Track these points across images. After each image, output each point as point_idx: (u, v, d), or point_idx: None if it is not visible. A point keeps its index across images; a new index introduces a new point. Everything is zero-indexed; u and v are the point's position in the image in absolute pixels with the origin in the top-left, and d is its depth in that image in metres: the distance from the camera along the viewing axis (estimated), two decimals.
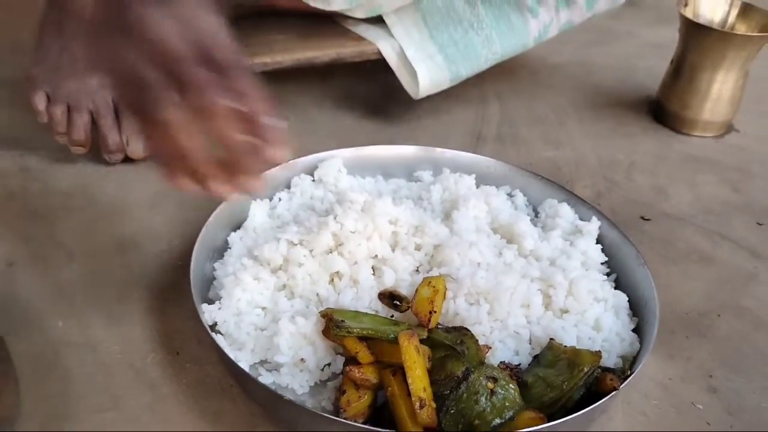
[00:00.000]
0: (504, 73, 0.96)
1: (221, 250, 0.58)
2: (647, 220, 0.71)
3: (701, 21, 0.84)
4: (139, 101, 0.42)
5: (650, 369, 0.54)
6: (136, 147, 0.70)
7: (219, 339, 0.48)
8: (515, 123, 0.87)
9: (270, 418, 0.47)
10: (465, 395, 0.44)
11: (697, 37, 0.83)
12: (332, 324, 0.47)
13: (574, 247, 0.59)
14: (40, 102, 0.70)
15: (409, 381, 0.44)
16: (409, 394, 0.45)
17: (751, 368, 0.55)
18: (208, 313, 0.51)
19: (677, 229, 0.70)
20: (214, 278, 0.56)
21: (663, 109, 0.89)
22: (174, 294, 0.56)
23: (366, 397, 0.46)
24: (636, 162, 0.81)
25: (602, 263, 0.59)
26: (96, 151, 0.71)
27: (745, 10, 0.86)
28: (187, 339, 0.52)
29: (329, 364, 0.50)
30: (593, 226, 0.61)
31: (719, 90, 0.84)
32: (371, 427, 0.43)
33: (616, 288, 0.57)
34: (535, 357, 0.50)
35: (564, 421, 0.43)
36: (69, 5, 0.70)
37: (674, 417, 0.50)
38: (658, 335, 0.54)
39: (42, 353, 0.49)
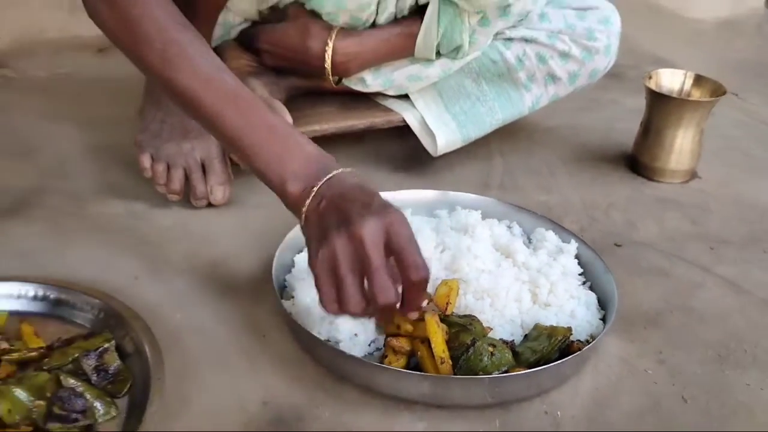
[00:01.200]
0: (506, 135, 1.17)
1: (289, 266, 0.78)
2: (619, 246, 0.90)
3: (663, 91, 1.05)
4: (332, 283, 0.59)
5: (613, 349, 0.71)
6: (218, 195, 0.91)
7: (296, 310, 0.67)
8: (515, 174, 1.07)
9: (333, 377, 0.65)
10: (473, 356, 0.63)
11: (659, 103, 1.03)
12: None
13: (556, 261, 0.78)
14: (146, 161, 0.91)
15: (433, 345, 0.63)
16: (433, 356, 0.63)
17: (692, 349, 0.72)
18: (287, 307, 0.70)
19: (643, 253, 0.89)
20: (285, 286, 0.75)
21: (636, 161, 1.09)
22: (257, 297, 0.75)
23: (402, 360, 0.65)
24: (613, 203, 1.00)
25: (579, 274, 0.78)
26: (186, 199, 0.92)
27: (698, 80, 1.07)
28: (270, 327, 0.71)
29: (374, 342, 0.68)
30: (572, 246, 0.80)
31: (681, 144, 1.04)
32: (414, 372, 0.61)
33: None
34: (525, 336, 0.69)
35: (541, 369, 0.61)
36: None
37: (630, 378, 0.68)
38: (622, 326, 0.73)
39: (167, 335, 0.68)
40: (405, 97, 1.05)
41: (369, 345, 0.68)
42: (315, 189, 0.62)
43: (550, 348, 0.64)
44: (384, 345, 0.67)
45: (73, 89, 1.32)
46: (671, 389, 0.67)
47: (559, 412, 0.63)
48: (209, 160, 0.92)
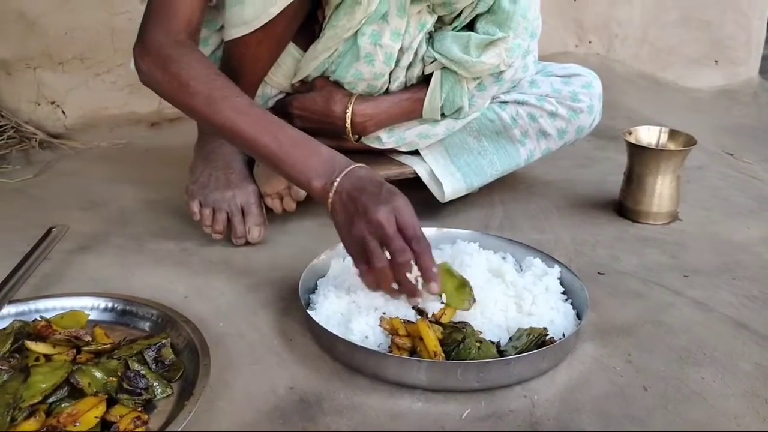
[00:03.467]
0: (507, 186, 1.32)
1: (312, 287, 0.92)
2: (602, 274, 1.03)
3: (642, 144, 1.20)
4: (363, 254, 0.79)
5: (587, 350, 0.83)
6: (254, 234, 1.08)
7: (318, 320, 0.81)
8: (513, 219, 1.21)
9: (347, 369, 0.79)
10: (462, 350, 0.76)
11: (638, 154, 1.18)
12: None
13: (540, 281, 0.91)
14: (195, 207, 1.08)
15: (426, 342, 0.76)
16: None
17: (657, 353, 0.84)
18: (312, 315, 0.84)
19: (622, 279, 1.01)
20: (309, 302, 0.90)
21: (623, 206, 1.22)
22: (286, 311, 0.90)
23: (404, 355, 0.78)
24: (600, 241, 1.14)
25: (561, 293, 0.91)
26: (227, 238, 1.08)
27: (672, 134, 1.22)
28: (295, 333, 0.85)
29: (381, 344, 0.81)
30: (555, 270, 0.93)
31: (660, 189, 1.17)
32: (412, 358, 0.74)
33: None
34: (510, 338, 0.81)
35: (519, 357, 0.74)
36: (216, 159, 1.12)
37: (600, 373, 0.79)
38: (597, 335, 0.85)
39: (212, 338, 0.82)
40: (416, 153, 1.22)
41: (377, 346, 0.81)
42: (335, 184, 0.83)
43: (528, 343, 0.77)
44: (389, 346, 0.80)
45: (129, 157, 1.53)
46: (635, 380, 0.78)
47: (536, 396, 0.75)
48: (248, 206, 1.09)
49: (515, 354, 0.77)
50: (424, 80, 1.14)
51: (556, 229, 1.18)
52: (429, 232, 1.04)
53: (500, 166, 1.21)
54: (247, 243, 1.08)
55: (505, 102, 1.20)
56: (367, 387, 0.76)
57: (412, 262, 0.78)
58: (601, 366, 0.81)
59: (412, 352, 0.79)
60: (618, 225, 1.20)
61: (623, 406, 0.74)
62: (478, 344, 0.76)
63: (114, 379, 0.71)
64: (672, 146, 1.21)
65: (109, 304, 0.86)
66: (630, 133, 1.22)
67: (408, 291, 0.79)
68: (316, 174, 0.85)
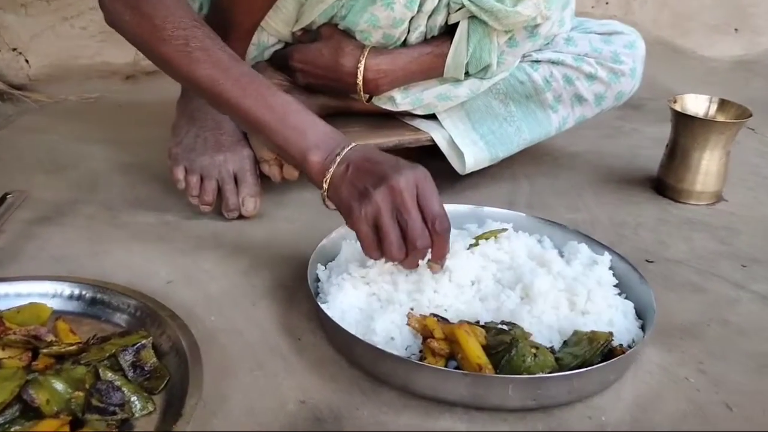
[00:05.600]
0: (530, 159, 1.18)
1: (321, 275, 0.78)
2: (651, 262, 0.90)
3: (689, 113, 1.06)
4: (374, 238, 0.67)
5: (652, 357, 0.70)
6: (249, 206, 0.92)
7: (332, 315, 0.67)
8: (541, 195, 1.07)
9: (369, 377, 0.64)
10: (516, 357, 0.62)
11: (685, 125, 1.04)
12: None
13: (591, 271, 0.77)
14: (179, 173, 0.92)
15: (468, 354, 0.62)
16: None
17: (732, 360, 0.71)
18: (324, 309, 0.69)
19: (675, 269, 0.88)
20: (317, 294, 0.75)
21: (662, 184, 1.09)
22: (290, 303, 0.75)
23: (441, 362, 0.64)
24: (641, 223, 1.00)
25: (614, 285, 0.77)
26: (217, 211, 0.92)
27: (723, 104, 1.08)
28: (304, 331, 0.71)
29: (409, 346, 0.67)
30: (606, 258, 0.80)
31: (707, 166, 1.04)
32: (453, 371, 0.60)
33: None
34: (564, 342, 0.68)
35: (587, 371, 0.60)
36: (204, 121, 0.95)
37: (671, 385, 0.66)
38: (659, 337, 0.72)
39: (203, 336, 0.67)
40: (433, 117, 1.06)
41: (405, 349, 0.67)
42: (339, 156, 0.69)
43: (592, 352, 0.63)
44: (420, 350, 0.66)
45: (101, 113, 1.35)
46: (714, 397, 0.65)
47: (603, 417, 0.62)
48: (242, 173, 0.93)
49: (576, 363, 0.63)
50: (448, 33, 0.99)
51: (591, 208, 1.04)
52: (459, 208, 0.90)
53: (529, 134, 1.07)
54: (240, 217, 0.92)
55: (537, 61, 1.05)
56: (396, 402, 0.62)
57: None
58: (672, 377, 0.68)
59: (450, 357, 0.65)
60: (658, 204, 1.07)
61: (706, 428, 0.61)
62: (533, 351, 0.62)
63: (80, 393, 0.56)
64: (722, 117, 1.07)
65: (76, 291, 0.70)
66: (675, 102, 1.08)
67: (408, 267, 0.70)
68: (315, 145, 0.71)
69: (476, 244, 0.77)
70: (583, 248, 0.82)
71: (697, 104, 1.09)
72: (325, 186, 0.70)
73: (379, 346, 0.65)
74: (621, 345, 0.66)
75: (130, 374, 0.60)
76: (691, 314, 0.79)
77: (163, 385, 0.60)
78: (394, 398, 0.62)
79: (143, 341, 0.62)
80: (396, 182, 0.66)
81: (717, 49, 2.10)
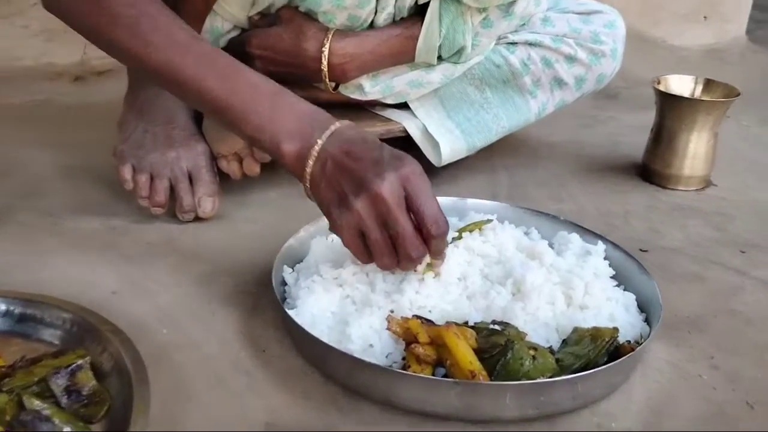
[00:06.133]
0: (509, 150, 1.11)
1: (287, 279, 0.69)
2: (645, 251, 0.83)
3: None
4: (361, 244, 0.59)
5: (660, 353, 0.63)
6: (206, 207, 0.83)
7: (301, 322, 0.58)
8: (523, 186, 1.01)
9: (346, 391, 0.56)
10: (512, 360, 0.54)
11: (671, 106, 0.98)
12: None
13: (585, 262, 0.70)
14: (127, 173, 0.83)
15: (457, 359, 0.54)
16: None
17: (745, 353, 0.65)
18: (292, 315, 0.61)
19: (672, 258, 0.82)
20: (284, 300, 0.66)
21: (649, 170, 1.03)
22: (253, 311, 0.67)
23: (427, 370, 0.56)
24: (630, 211, 0.94)
25: (611, 277, 0.71)
26: (171, 213, 0.83)
27: (708, 84, 1.03)
28: (270, 341, 0.62)
29: (390, 354, 0.59)
30: (599, 248, 0.73)
31: (694, 149, 0.98)
32: (442, 379, 0.52)
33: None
34: (563, 341, 0.60)
35: (594, 372, 0.53)
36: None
37: (683, 384, 0.59)
38: (664, 330, 0.65)
39: (152, 353, 0.59)
40: (405, 107, 0.99)
41: (386, 357, 0.59)
42: (316, 149, 0.61)
43: (597, 351, 0.56)
44: (403, 357, 0.58)
45: (47, 116, 1.25)
46: (732, 395, 0.59)
47: (613, 423, 0.54)
48: (196, 170, 0.84)
49: (579, 365, 0.56)
50: (418, 14, 0.91)
51: (576, 198, 0.98)
52: (440, 201, 0.82)
53: (507, 121, 1.00)
54: (197, 219, 0.83)
55: (514, 43, 0.98)
56: (378, 418, 0.54)
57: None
58: (683, 374, 0.61)
59: (438, 364, 0.57)
60: (646, 191, 1.01)
61: (729, 430, 0.54)
62: (532, 353, 0.55)
63: (0, 429, 0.47)
64: (708, 98, 1.02)
65: (2, 307, 0.61)
66: (659, 83, 1.02)
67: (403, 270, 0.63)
68: (288, 134, 0.62)
69: (459, 237, 0.70)
70: (575, 238, 0.75)
71: (681, 85, 1.03)
72: (307, 184, 0.62)
73: (355, 355, 0.57)
74: (629, 341, 0.58)
75: (64, 401, 0.51)
76: (695, 306, 0.72)
77: (103, 412, 0.51)
78: (376, 414, 0.54)
79: (80, 361, 0.53)
80: (378, 189, 0.57)
81: (687, 37, 2.07)
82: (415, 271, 0.63)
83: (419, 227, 0.59)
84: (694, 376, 0.61)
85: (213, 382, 0.57)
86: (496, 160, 1.08)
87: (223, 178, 0.86)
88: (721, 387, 0.59)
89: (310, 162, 0.61)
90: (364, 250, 0.60)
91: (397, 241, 0.58)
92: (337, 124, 0.62)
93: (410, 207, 0.58)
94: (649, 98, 1.04)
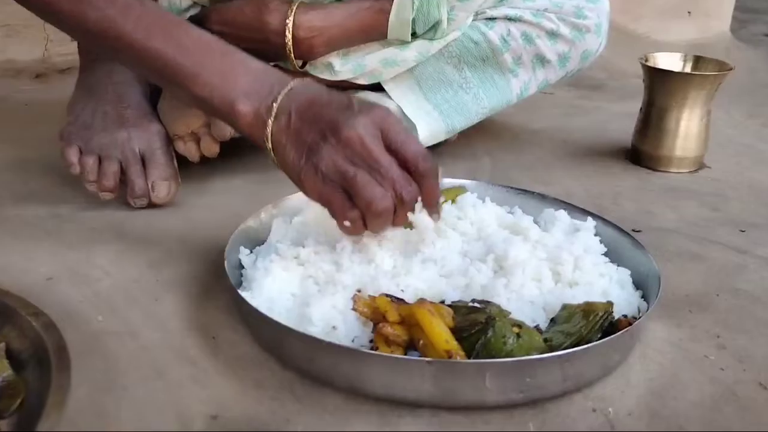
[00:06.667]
0: (489, 134, 1.06)
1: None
2: (638, 231, 0.77)
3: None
4: (341, 197, 0.52)
5: (660, 333, 0.57)
6: (161, 192, 0.76)
7: (254, 303, 0.51)
8: (506, 170, 0.94)
9: (305, 379, 0.49)
10: (493, 339, 0.47)
11: (661, 82, 0.93)
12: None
13: (574, 238, 0.64)
14: (73, 155, 0.76)
15: (432, 338, 0.47)
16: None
17: (753, 330, 0.58)
18: (245, 297, 0.54)
19: (667, 237, 0.76)
20: (241, 284, 0.59)
21: (639, 152, 0.97)
22: (204, 297, 0.59)
23: (397, 353, 0.49)
24: (620, 193, 0.88)
25: (603, 254, 0.64)
26: (123, 200, 0.76)
27: (698, 61, 0.98)
28: (221, 328, 0.55)
29: (357, 337, 0.52)
30: (589, 224, 0.66)
31: (686, 127, 0.93)
32: (413, 358, 0.45)
33: None
34: (551, 320, 0.54)
35: (587, 348, 0.46)
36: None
37: (688, 365, 0.53)
38: (663, 310, 0.59)
39: (84, 340, 0.51)
40: (379, 88, 0.93)
41: (352, 341, 0.52)
42: (275, 105, 0.54)
43: (589, 328, 0.49)
44: (371, 340, 0.51)
45: (4, 113, 1.18)
46: (743, 375, 0.52)
47: (610, 408, 0.47)
48: (150, 152, 0.77)
49: (570, 343, 0.49)
50: None
51: (562, 181, 0.91)
52: None
53: (488, 102, 0.94)
54: (151, 205, 0.76)
55: (492, 18, 0.92)
56: (342, 408, 0.47)
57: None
58: (687, 355, 0.54)
59: (409, 347, 0.50)
60: (636, 174, 0.95)
61: (744, 415, 0.48)
62: (516, 330, 0.48)
63: None
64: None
65: None
66: (647, 60, 0.97)
67: (396, 226, 0.56)
68: (243, 93, 0.56)
69: None
70: (562, 215, 0.68)
71: (670, 63, 0.98)
72: (269, 146, 0.56)
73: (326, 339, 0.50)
74: (625, 316, 0.52)
75: None
76: (695, 284, 0.66)
77: (15, 405, 0.44)
78: (339, 403, 0.47)
79: None
80: (352, 128, 0.52)
81: (671, 33, 2.03)
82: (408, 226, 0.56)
83: (404, 168, 0.53)
84: (699, 356, 0.54)
85: (150, 372, 0.49)
86: (477, 145, 1.02)
87: (183, 165, 0.79)
88: (730, 367, 0.53)
89: (270, 120, 0.55)
90: (345, 201, 0.52)
91: (384, 184, 0.52)
92: (295, 80, 0.56)
93: (389, 148, 0.53)
94: (636, 89, 1.00)
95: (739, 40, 2.20)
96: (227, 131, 0.76)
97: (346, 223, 0.53)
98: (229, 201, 0.80)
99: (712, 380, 0.51)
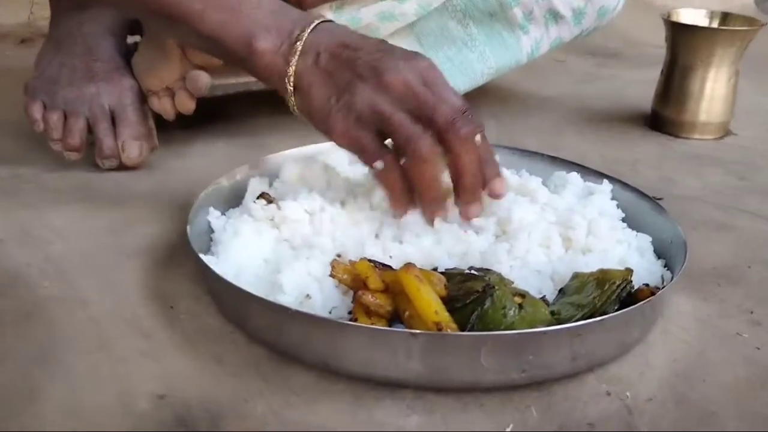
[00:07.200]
0: (496, 98, 0.98)
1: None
2: (659, 199, 0.69)
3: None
4: (376, 143, 0.47)
5: (684, 308, 0.49)
6: (132, 152, 0.69)
7: (219, 270, 0.44)
8: (514, 134, 0.87)
9: (273, 355, 0.42)
10: (491, 311, 0.41)
11: (685, 38, 0.85)
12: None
13: (588, 201, 0.56)
14: (36, 111, 0.69)
15: (419, 308, 0.40)
16: None
17: None
18: (208, 262, 0.47)
19: (691, 205, 0.68)
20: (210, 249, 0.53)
21: (659, 117, 0.89)
22: (170, 262, 0.53)
23: (379, 325, 0.42)
24: (640, 159, 0.80)
25: (621, 220, 0.57)
26: (90, 160, 0.69)
27: (725, 18, 0.89)
28: (182, 297, 0.48)
29: (335, 308, 0.45)
30: (605, 187, 0.59)
31: (712, 89, 0.85)
32: (396, 329, 0.39)
33: None
34: (560, 290, 0.47)
35: (601, 320, 0.39)
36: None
37: (718, 344, 0.45)
38: (687, 283, 0.52)
39: (25, 307, 0.45)
40: None
41: (329, 313, 0.45)
42: (300, 43, 0.49)
43: (605, 298, 0.42)
44: (350, 311, 0.44)
45: None
46: None
47: (628, 393, 0.40)
48: (121, 108, 0.70)
49: (581, 316, 0.42)
50: None
51: (575, 146, 0.84)
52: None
53: (495, 61, 0.86)
54: (122, 167, 0.70)
55: None
56: (312, 388, 0.40)
57: None
58: (717, 332, 0.47)
59: (394, 319, 0.43)
60: (656, 140, 0.87)
61: None
62: (518, 300, 0.41)
63: None
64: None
65: None
66: (669, 15, 0.88)
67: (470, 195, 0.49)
68: (265, 29, 0.50)
69: None
70: (575, 178, 0.61)
71: (696, 18, 0.90)
72: (290, 87, 0.49)
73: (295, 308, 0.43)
74: (647, 285, 0.44)
75: None
76: (723, 256, 0.58)
77: None
78: (310, 382, 0.40)
79: None
80: (396, 72, 0.46)
81: (693, 4, 1.94)
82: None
83: None
84: (730, 333, 0.47)
85: (96, 345, 0.43)
86: (483, 108, 0.95)
87: (163, 128, 0.73)
88: (766, 346, 0.46)
89: (294, 58, 0.48)
90: (378, 143, 0.46)
91: (441, 124, 0.45)
92: (320, 19, 0.50)
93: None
94: (655, 57, 0.92)
95: (763, 13, 2.09)
96: (203, 85, 0.69)
97: (378, 165, 0.46)
98: (208, 164, 0.73)
99: (747, 360, 0.44)
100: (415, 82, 0.46)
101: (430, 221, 0.49)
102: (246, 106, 0.89)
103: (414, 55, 0.48)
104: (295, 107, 0.50)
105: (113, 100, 0.70)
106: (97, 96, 0.70)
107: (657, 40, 0.89)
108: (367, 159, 0.47)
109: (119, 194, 0.65)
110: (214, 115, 0.85)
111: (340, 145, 0.48)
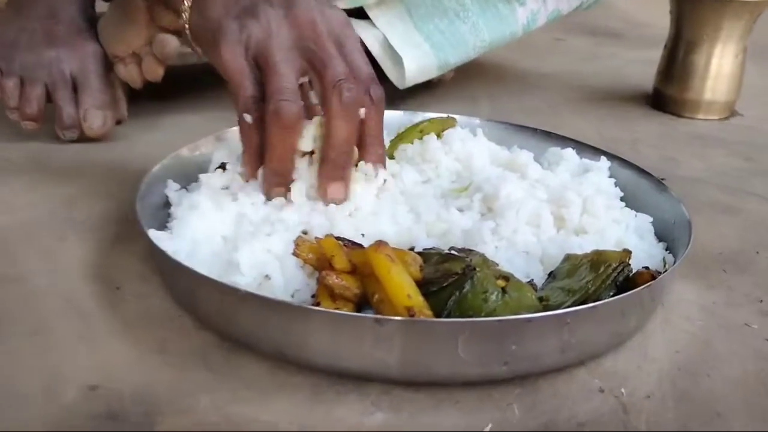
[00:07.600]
0: (490, 75, 0.93)
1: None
2: (662, 179, 0.64)
3: None
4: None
5: (687, 295, 0.45)
6: (95, 122, 0.64)
7: (171, 247, 0.40)
8: (509, 113, 0.82)
9: (224, 343, 0.38)
10: (470, 295, 0.36)
11: (691, 9, 0.79)
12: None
13: (584, 178, 0.52)
14: None
15: (390, 291, 0.36)
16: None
17: None
18: (156, 240, 0.42)
19: (696, 187, 0.63)
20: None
21: (661, 96, 0.84)
22: (122, 240, 0.48)
23: (345, 309, 0.37)
24: (640, 139, 0.76)
25: (620, 199, 0.52)
26: (50, 132, 0.65)
27: None
28: (130, 278, 0.44)
29: (298, 291, 0.41)
30: (603, 164, 0.54)
31: (718, 65, 0.80)
32: (363, 315, 0.34)
33: None
34: (550, 273, 0.42)
35: (593, 307, 0.34)
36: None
37: (725, 335, 0.41)
38: (691, 269, 0.47)
39: None
40: (363, 15, 0.80)
41: (291, 296, 0.40)
42: None
43: (599, 283, 0.38)
44: (314, 295, 0.39)
45: None
46: None
47: (623, 389, 0.36)
48: (83, 75, 0.65)
49: (572, 302, 0.37)
50: None
51: (573, 124, 0.79)
52: (392, 116, 0.63)
53: (488, 34, 0.81)
54: (84, 138, 0.65)
55: None
56: (265, 381, 0.35)
57: None
58: (723, 323, 0.42)
59: (363, 304, 0.38)
60: (658, 119, 0.82)
61: None
62: (502, 283, 0.36)
63: None
64: None
65: None
66: None
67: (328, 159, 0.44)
68: None
69: (403, 138, 0.52)
70: (570, 154, 0.56)
71: None
72: (186, 3, 0.45)
73: (241, 288, 0.38)
74: (647, 268, 0.40)
75: None
76: (729, 240, 0.54)
77: None
78: (263, 374, 0.36)
79: None
80: (308, 9, 0.43)
81: None
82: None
83: None
84: (738, 324, 0.42)
85: (28, 326, 0.38)
86: (475, 85, 0.90)
87: (133, 100, 0.68)
88: None
89: None
90: (257, 88, 0.42)
91: (324, 77, 0.41)
92: None
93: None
94: (657, 38, 0.86)
95: None
96: (171, 49, 0.64)
97: (246, 117, 0.42)
98: (176, 137, 0.67)
99: (757, 354, 0.39)
100: (323, 29, 0.43)
101: (268, 194, 0.45)
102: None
103: (334, 7, 0.45)
104: (187, 26, 0.45)
105: (75, 66, 0.65)
106: (57, 62, 0.65)
107: (660, 21, 0.84)
108: (240, 102, 0.42)
109: (76, 166, 0.60)
110: (185, 85, 0.80)
111: (220, 67, 0.43)
